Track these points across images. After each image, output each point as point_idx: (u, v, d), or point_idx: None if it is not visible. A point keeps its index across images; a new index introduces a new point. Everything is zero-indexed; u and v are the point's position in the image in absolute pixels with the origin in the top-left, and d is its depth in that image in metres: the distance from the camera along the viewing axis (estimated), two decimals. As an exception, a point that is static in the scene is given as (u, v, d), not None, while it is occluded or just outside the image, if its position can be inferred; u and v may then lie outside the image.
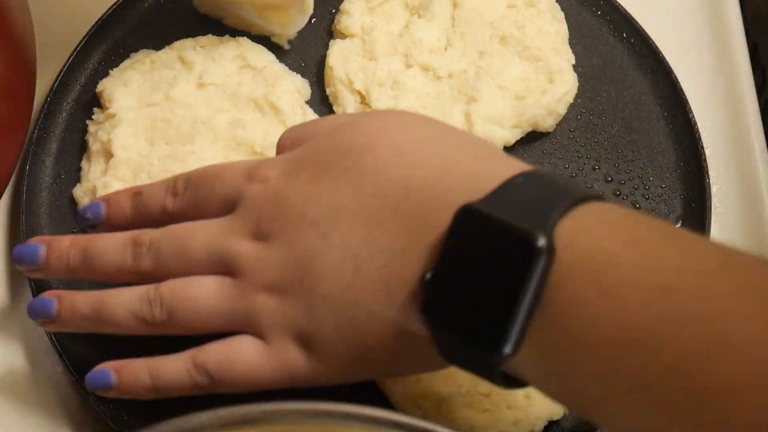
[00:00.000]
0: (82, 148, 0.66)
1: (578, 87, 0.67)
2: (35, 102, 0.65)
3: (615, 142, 0.67)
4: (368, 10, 0.67)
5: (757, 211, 0.67)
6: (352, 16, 0.67)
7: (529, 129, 0.66)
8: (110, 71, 0.66)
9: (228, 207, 0.53)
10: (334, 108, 0.66)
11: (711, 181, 0.65)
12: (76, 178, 0.65)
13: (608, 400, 0.42)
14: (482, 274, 0.44)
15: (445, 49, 0.66)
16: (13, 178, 0.65)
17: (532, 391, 0.58)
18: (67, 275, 0.56)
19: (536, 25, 0.67)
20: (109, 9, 0.68)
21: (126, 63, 0.67)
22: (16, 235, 0.64)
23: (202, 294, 0.52)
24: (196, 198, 0.55)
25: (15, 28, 0.63)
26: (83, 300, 0.54)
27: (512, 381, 0.46)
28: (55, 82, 0.66)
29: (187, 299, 0.52)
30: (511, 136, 0.65)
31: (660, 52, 0.68)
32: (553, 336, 0.43)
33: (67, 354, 0.60)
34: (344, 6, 0.68)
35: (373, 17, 0.67)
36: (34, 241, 0.56)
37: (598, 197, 0.46)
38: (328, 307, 0.49)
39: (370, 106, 0.65)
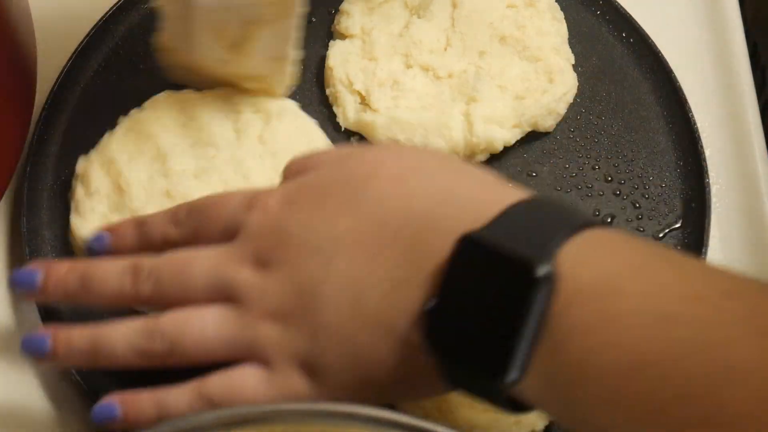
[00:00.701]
0: (83, 149, 0.66)
1: (578, 87, 0.67)
2: (36, 103, 0.65)
3: (615, 142, 0.67)
4: (368, 11, 0.67)
5: (757, 211, 0.67)
6: (352, 16, 0.67)
7: (529, 129, 0.66)
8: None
9: (228, 236, 0.53)
10: (334, 109, 0.66)
11: (711, 181, 0.65)
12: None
13: (615, 428, 0.42)
14: (484, 301, 0.45)
15: (445, 49, 0.66)
16: (13, 179, 0.65)
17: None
18: (64, 299, 0.56)
19: (536, 25, 0.67)
20: (110, 10, 0.68)
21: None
22: (17, 236, 0.64)
23: (203, 324, 0.52)
24: (198, 227, 0.55)
25: (15, 28, 0.63)
26: (79, 335, 0.54)
27: (519, 405, 0.46)
28: (55, 83, 0.66)
29: (189, 330, 0.52)
30: (511, 136, 0.65)
31: (660, 52, 0.68)
32: (557, 363, 0.43)
33: (68, 354, 0.60)
34: (344, 7, 0.68)
35: (373, 18, 0.67)
36: (32, 266, 0.56)
37: (599, 224, 0.46)
38: (331, 336, 0.49)
39: (370, 107, 0.65)
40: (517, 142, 0.65)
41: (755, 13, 0.76)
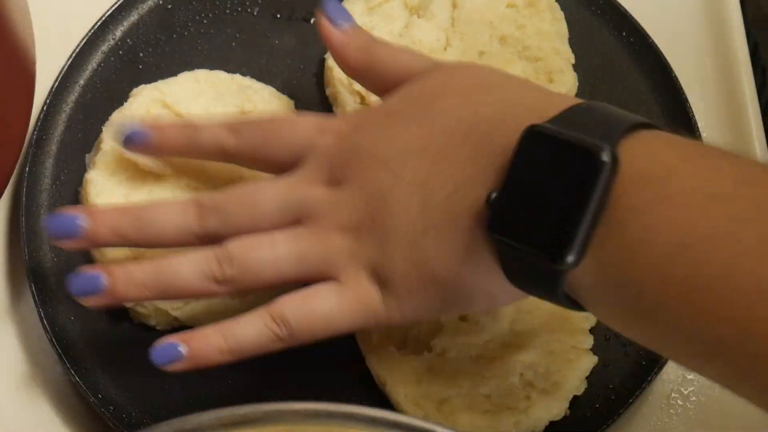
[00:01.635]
0: (82, 149, 0.66)
1: (578, 86, 0.67)
2: (35, 103, 0.65)
3: (615, 142, 0.67)
4: (368, 11, 0.67)
5: (757, 211, 0.67)
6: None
7: (529, 129, 0.66)
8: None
9: (294, 157, 0.54)
10: (334, 109, 0.66)
11: (711, 180, 0.65)
12: (76, 180, 0.65)
13: (663, 308, 0.43)
14: (547, 188, 0.46)
15: (445, 49, 0.66)
16: (12, 179, 0.65)
17: (532, 392, 0.58)
18: (116, 244, 0.55)
19: (536, 25, 0.67)
20: (109, 9, 0.68)
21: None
22: (15, 237, 0.64)
23: (274, 244, 0.52)
24: (261, 142, 0.55)
25: (15, 28, 0.63)
26: (140, 268, 0.53)
27: (572, 303, 0.47)
28: (54, 82, 0.66)
29: (259, 250, 0.52)
30: (511, 136, 0.65)
31: (660, 52, 0.68)
32: (613, 245, 0.44)
33: (67, 354, 0.60)
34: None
35: (373, 17, 0.67)
36: (68, 210, 0.54)
37: (656, 126, 0.48)
38: (399, 239, 0.51)
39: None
40: (517, 142, 0.66)
41: (755, 13, 0.76)
